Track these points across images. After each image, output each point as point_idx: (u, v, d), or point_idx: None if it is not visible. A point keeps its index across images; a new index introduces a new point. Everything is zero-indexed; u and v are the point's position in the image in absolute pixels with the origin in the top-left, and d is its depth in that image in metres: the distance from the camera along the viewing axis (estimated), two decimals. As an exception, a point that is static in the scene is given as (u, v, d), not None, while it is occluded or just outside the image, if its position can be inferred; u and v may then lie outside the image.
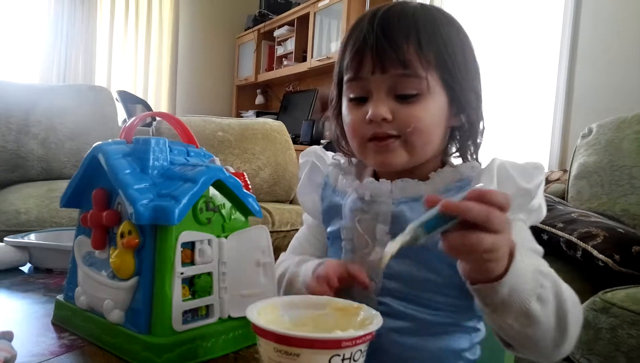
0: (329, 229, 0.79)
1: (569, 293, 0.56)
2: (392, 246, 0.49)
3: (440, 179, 0.69)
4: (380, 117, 0.65)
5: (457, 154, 0.73)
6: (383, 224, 0.69)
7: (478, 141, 0.72)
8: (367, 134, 0.68)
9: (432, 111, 0.67)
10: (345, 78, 0.70)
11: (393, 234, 0.64)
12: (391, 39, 0.65)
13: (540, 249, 0.66)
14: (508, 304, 0.52)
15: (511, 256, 0.51)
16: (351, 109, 0.70)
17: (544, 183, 0.66)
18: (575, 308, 0.56)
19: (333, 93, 0.76)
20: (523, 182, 0.64)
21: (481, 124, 0.71)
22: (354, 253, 0.73)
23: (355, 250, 0.73)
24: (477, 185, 0.63)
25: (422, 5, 0.70)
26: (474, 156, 0.73)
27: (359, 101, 0.69)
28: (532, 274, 0.53)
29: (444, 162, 0.73)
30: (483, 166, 0.68)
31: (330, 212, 0.77)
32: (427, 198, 0.49)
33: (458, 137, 0.72)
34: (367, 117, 0.67)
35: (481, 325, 0.72)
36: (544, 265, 0.58)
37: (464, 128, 0.71)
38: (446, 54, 0.67)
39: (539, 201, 0.66)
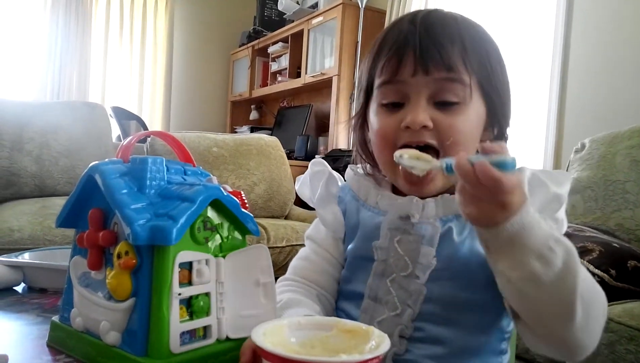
0: (350, 246, 0.72)
1: (586, 275, 0.53)
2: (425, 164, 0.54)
3: None
4: (421, 125, 0.62)
5: None
6: (429, 246, 0.64)
7: None
8: (399, 141, 0.64)
9: (473, 122, 0.65)
10: (378, 82, 0.66)
11: (439, 257, 0.64)
12: (436, 40, 0.62)
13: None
14: (507, 252, 0.51)
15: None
16: (383, 115, 0.66)
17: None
18: (593, 292, 0.53)
19: (359, 101, 0.72)
20: (555, 187, 0.62)
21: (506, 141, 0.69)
22: (384, 277, 0.67)
23: (385, 274, 0.67)
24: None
25: (460, 14, 0.67)
26: None
27: (393, 107, 0.65)
28: (544, 236, 0.51)
29: None
30: None
31: (356, 229, 0.72)
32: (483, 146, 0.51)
33: None
34: (404, 123, 0.63)
35: (508, 347, 0.69)
36: (567, 242, 0.53)
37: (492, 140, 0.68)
38: (488, 64, 0.65)
39: (563, 214, 0.64)
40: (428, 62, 0.62)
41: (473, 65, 0.63)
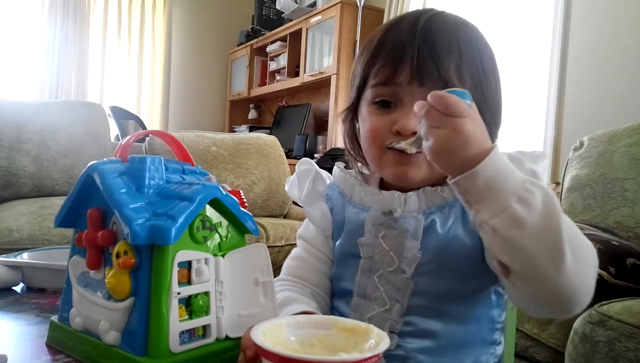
0: (337, 243, 0.73)
1: (568, 218, 0.53)
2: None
3: None
4: (411, 131, 0.63)
5: None
6: (414, 239, 0.65)
7: None
8: (387, 142, 0.66)
9: None
10: (373, 81, 0.67)
11: (425, 250, 0.65)
12: (433, 51, 0.63)
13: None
14: (487, 199, 0.51)
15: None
16: (373, 113, 0.68)
17: (548, 170, 0.65)
18: (577, 234, 0.53)
19: (352, 96, 0.73)
20: (530, 163, 0.63)
21: None
22: (371, 273, 0.68)
23: (372, 270, 0.68)
24: None
25: (461, 19, 0.69)
26: None
27: (385, 106, 0.67)
28: (519, 180, 0.52)
29: None
30: None
31: (342, 225, 0.72)
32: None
33: None
34: (395, 127, 0.65)
35: (502, 338, 0.69)
36: (544, 186, 0.54)
37: None
38: (482, 73, 0.66)
39: None
40: (424, 75, 0.63)
41: (467, 76, 0.64)
